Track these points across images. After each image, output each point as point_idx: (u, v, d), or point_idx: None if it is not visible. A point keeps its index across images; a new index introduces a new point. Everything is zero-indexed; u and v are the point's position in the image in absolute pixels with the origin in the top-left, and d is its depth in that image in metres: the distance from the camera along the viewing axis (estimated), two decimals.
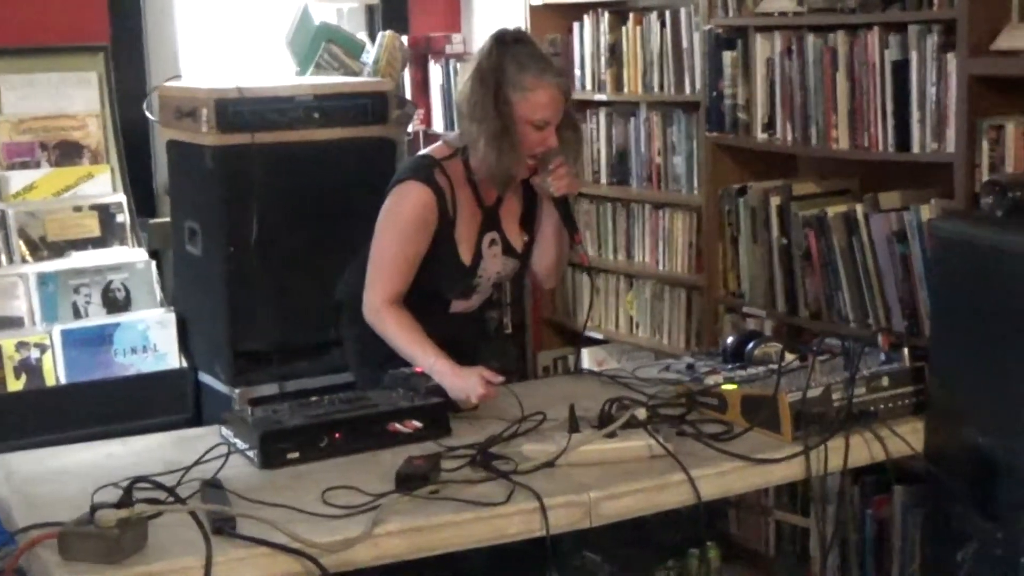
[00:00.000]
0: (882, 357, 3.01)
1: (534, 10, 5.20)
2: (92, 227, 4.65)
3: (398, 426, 2.81)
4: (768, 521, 4.20)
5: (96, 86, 4.80)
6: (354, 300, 3.21)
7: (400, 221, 3.13)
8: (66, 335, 4.32)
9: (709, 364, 3.25)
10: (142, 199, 4.89)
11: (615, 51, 4.90)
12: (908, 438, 2.88)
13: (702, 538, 4.05)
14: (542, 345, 5.41)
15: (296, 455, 2.70)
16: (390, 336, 3.11)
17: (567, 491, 2.55)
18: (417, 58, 5.50)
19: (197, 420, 4.31)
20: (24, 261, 4.49)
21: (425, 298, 3.17)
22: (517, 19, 5.18)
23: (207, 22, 5.27)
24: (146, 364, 4.42)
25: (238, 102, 4.10)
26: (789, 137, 3.98)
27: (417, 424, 2.82)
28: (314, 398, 2.94)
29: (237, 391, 4.15)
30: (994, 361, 2.65)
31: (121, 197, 4.73)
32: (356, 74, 4.72)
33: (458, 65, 5.40)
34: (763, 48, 4.05)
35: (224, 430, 2.85)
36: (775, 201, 4.01)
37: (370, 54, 4.78)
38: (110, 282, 4.48)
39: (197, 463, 2.66)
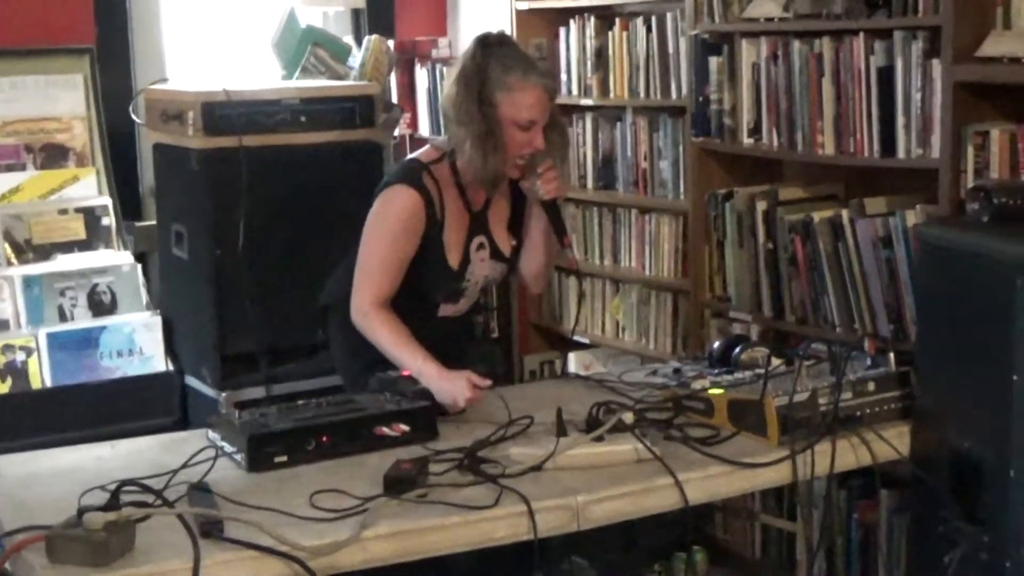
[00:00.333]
0: (868, 362, 3.02)
1: (520, 14, 5.21)
2: (78, 230, 4.65)
3: (385, 429, 2.81)
4: (755, 525, 4.21)
5: (82, 88, 4.79)
6: (342, 303, 3.21)
7: (388, 225, 3.13)
8: (52, 338, 4.31)
9: (696, 368, 3.26)
10: (128, 202, 4.88)
11: (601, 56, 4.91)
12: (894, 442, 2.89)
13: (689, 542, 4.07)
14: (528, 349, 5.42)
15: (284, 458, 2.70)
16: (377, 339, 3.11)
17: (554, 495, 2.55)
18: (403, 62, 5.51)
19: (183, 424, 4.30)
20: (9, 264, 4.48)
21: (413, 302, 3.18)
22: (503, 23, 5.19)
23: (193, 25, 5.26)
24: (132, 367, 4.41)
25: (224, 105, 4.10)
26: (775, 142, 3.99)
27: (404, 428, 2.82)
28: (301, 401, 2.93)
29: (224, 394, 4.14)
30: (979, 366, 2.66)
31: (107, 200, 4.72)
32: (342, 78, 4.72)
33: (444, 69, 5.40)
34: (749, 53, 4.06)
35: (211, 433, 2.85)
36: (761, 206, 4.03)
37: (356, 58, 4.78)
38: (96, 285, 4.48)
39: (184, 466, 2.65)
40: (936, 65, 3.39)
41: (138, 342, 4.42)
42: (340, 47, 4.86)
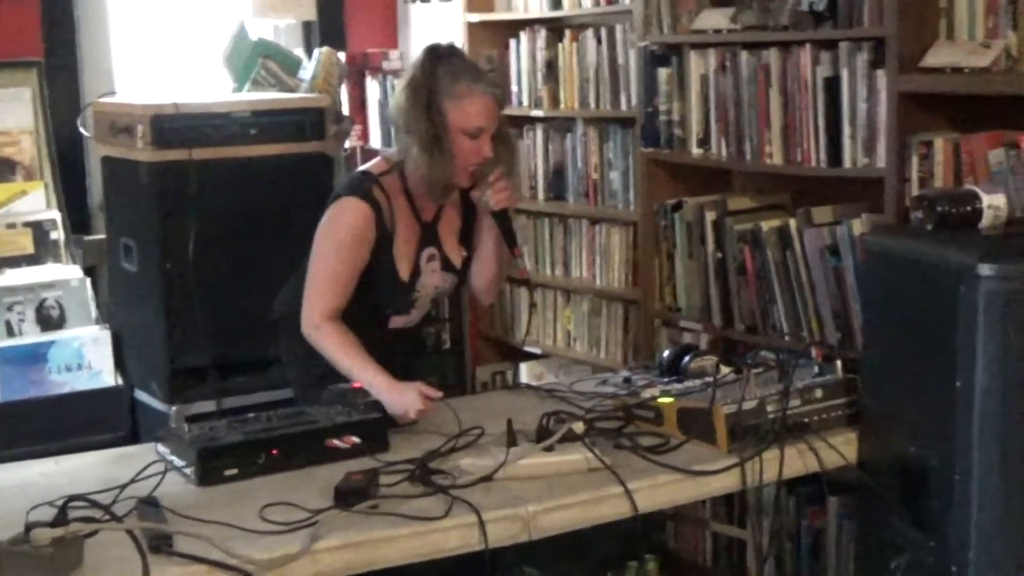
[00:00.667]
0: (815, 369, 3.05)
1: (471, 26, 5.22)
2: (26, 244, 4.61)
3: (336, 442, 2.81)
4: (705, 533, 4.23)
5: (30, 102, 4.76)
6: (292, 316, 3.21)
7: (338, 237, 3.13)
8: (0, 353, 4.28)
9: (646, 377, 3.27)
10: (77, 216, 4.85)
11: (551, 67, 4.94)
12: (842, 449, 2.91)
13: (640, 550, 4.08)
14: (480, 360, 5.42)
15: (234, 472, 2.69)
16: (328, 352, 3.10)
17: (505, 505, 2.56)
18: (354, 74, 5.51)
19: (133, 438, 4.27)
20: None
21: (363, 314, 3.17)
22: (454, 35, 5.19)
23: (142, 38, 5.24)
24: (81, 382, 4.38)
25: (174, 118, 4.09)
26: (724, 152, 4.02)
27: (355, 440, 2.82)
28: (252, 414, 2.92)
29: (174, 408, 4.12)
30: (924, 373, 2.69)
31: (55, 214, 4.69)
32: (293, 90, 4.71)
33: (395, 81, 5.40)
34: (697, 65, 4.09)
35: (160, 447, 2.83)
36: (710, 216, 4.05)
37: (307, 70, 4.78)
38: (44, 299, 4.44)
39: (133, 481, 2.64)
40: (881, 76, 3.43)
41: (87, 356, 4.39)
42: (291, 59, 4.85)
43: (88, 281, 4.55)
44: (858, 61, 3.51)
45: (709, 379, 3.01)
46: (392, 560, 2.46)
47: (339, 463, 2.75)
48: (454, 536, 2.49)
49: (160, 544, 2.29)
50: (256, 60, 4.73)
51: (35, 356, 4.33)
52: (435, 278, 3.29)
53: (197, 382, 4.18)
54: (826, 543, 3.74)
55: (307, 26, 5.61)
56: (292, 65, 4.82)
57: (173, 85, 5.08)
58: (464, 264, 3.34)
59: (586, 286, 4.85)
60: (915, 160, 3.32)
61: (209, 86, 5.04)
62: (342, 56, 5.02)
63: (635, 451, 2.83)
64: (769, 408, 2.86)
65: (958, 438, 2.58)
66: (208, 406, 4.13)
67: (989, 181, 3.03)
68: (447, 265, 3.30)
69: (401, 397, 2.96)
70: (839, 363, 3.03)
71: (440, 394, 2.99)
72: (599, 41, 4.68)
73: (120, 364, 4.44)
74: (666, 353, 3.33)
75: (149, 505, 2.49)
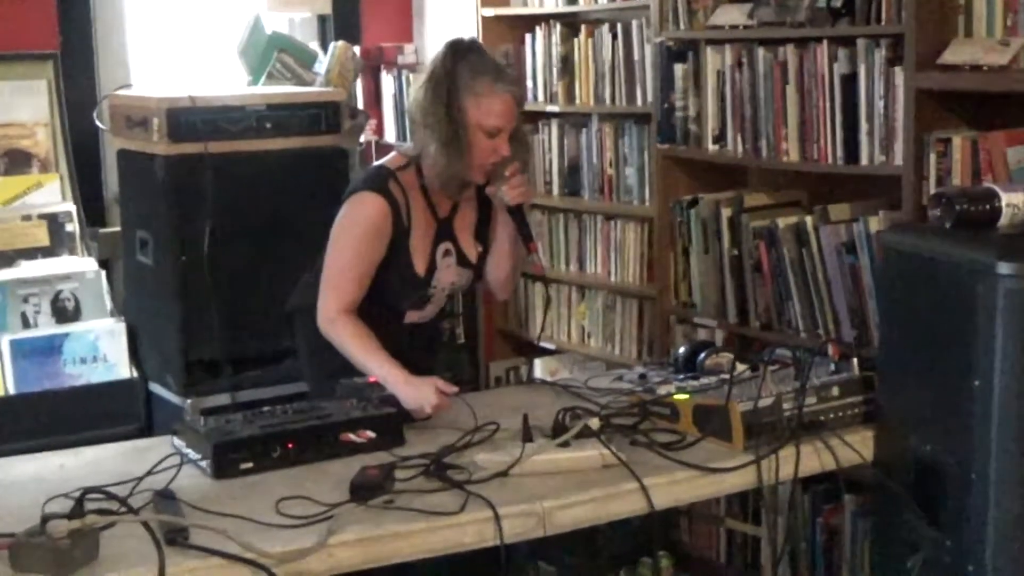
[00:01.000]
0: (832, 367, 3.04)
1: (486, 21, 5.22)
2: (41, 236, 4.62)
3: (352, 436, 2.80)
4: (719, 530, 4.23)
5: (45, 94, 4.76)
6: (308, 310, 3.21)
7: (354, 231, 3.13)
8: (15, 345, 4.28)
9: (661, 374, 3.27)
10: (92, 208, 4.86)
11: (567, 63, 4.93)
12: (858, 447, 2.90)
13: (654, 547, 4.08)
14: (495, 355, 5.42)
15: (249, 465, 2.69)
16: (344, 346, 3.10)
17: (521, 500, 2.55)
18: (369, 68, 5.51)
19: (148, 431, 4.27)
20: None
21: (379, 308, 3.17)
22: (469, 30, 5.19)
23: (158, 31, 5.24)
24: (96, 374, 4.38)
25: (190, 111, 4.09)
26: (740, 149, 4.02)
27: (371, 434, 2.82)
28: (267, 408, 2.92)
29: (188, 401, 4.12)
30: (941, 371, 2.68)
31: (71, 206, 4.70)
32: (308, 84, 4.71)
33: (410, 75, 5.41)
34: (714, 61, 4.08)
35: (176, 440, 2.83)
36: (726, 212, 4.05)
37: (322, 64, 4.77)
38: (59, 292, 4.45)
39: (149, 473, 2.64)
40: (899, 73, 3.42)
41: (102, 349, 4.39)
42: (306, 53, 4.85)
43: (103, 274, 4.55)
44: (875, 58, 3.50)
45: (725, 376, 3.00)
46: (407, 555, 2.45)
47: (354, 457, 2.75)
48: (469, 531, 2.49)
49: (176, 537, 2.29)
50: (271, 54, 4.73)
51: (50, 348, 4.33)
52: (451, 273, 3.28)
53: (212, 375, 4.18)
54: (841, 541, 3.74)
55: (322, 20, 5.61)
56: (307, 59, 4.81)
57: (188, 78, 5.08)
58: (480, 259, 3.34)
59: (601, 282, 4.85)
60: (933, 158, 3.31)
61: (224, 79, 5.04)
62: (357, 50, 5.01)
63: (651, 448, 2.82)
64: (785, 405, 2.85)
65: (975, 437, 2.57)
66: (223, 399, 4.13)
67: (1008, 179, 3.02)
68: (463, 260, 3.30)
69: (417, 392, 2.96)
70: (855, 361, 3.02)
71: (456, 389, 2.99)
72: (615, 36, 4.68)
73: (135, 357, 4.44)
74: (682, 350, 3.32)
75: (165, 498, 2.49)
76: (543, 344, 4.93)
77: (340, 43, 4.82)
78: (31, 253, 4.58)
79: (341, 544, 2.37)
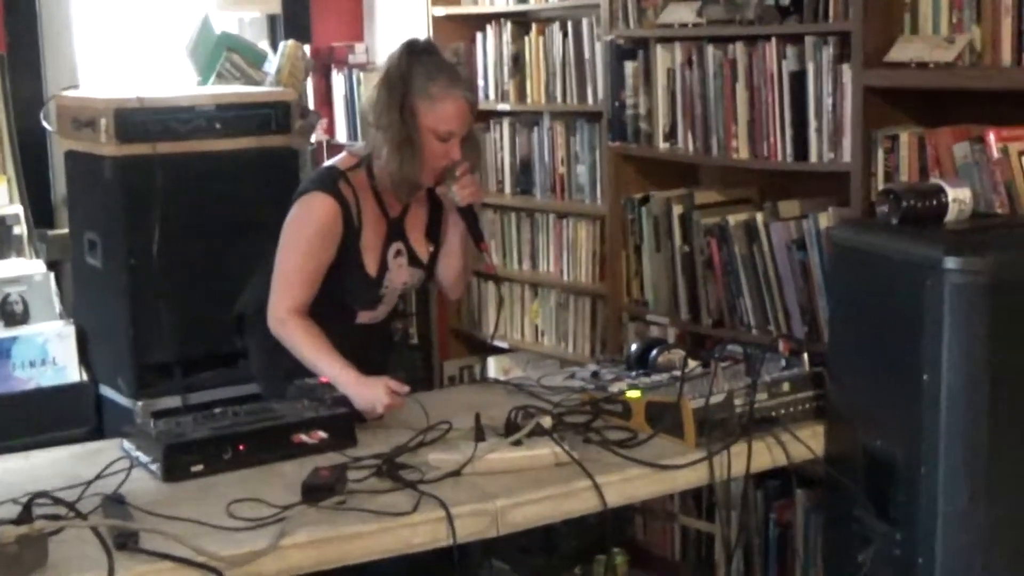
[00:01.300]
0: (783, 363, 3.06)
1: (437, 20, 5.21)
2: None
3: (303, 437, 2.79)
4: (674, 527, 4.24)
5: None
6: (258, 311, 3.19)
7: (304, 232, 3.11)
8: None
9: (613, 371, 3.28)
10: (40, 210, 4.81)
11: (518, 61, 4.93)
12: (809, 443, 2.92)
13: (609, 544, 4.09)
14: (448, 354, 5.41)
15: (200, 467, 2.67)
16: (295, 347, 3.09)
17: (473, 500, 2.56)
18: (320, 68, 5.48)
19: (99, 434, 4.23)
20: None
21: (331, 309, 3.16)
22: (420, 29, 5.19)
23: (105, 31, 5.20)
24: (45, 378, 4.34)
25: (138, 112, 4.06)
26: (690, 147, 4.03)
27: (323, 435, 2.81)
28: (218, 410, 2.90)
29: (139, 404, 4.09)
30: (890, 366, 2.71)
31: (18, 208, 4.65)
32: (258, 84, 4.69)
33: (361, 75, 5.39)
34: (664, 59, 4.10)
35: (126, 443, 2.82)
36: (677, 210, 4.06)
37: (272, 63, 4.75)
38: (7, 295, 4.40)
39: (99, 477, 2.62)
40: (846, 70, 3.44)
41: (51, 352, 4.35)
42: (256, 53, 4.83)
43: (52, 276, 4.50)
44: (824, 56, 3.52)
45: (677, 373, 3.01)
46: (360, 556, 2.45)
47: (306, 458, 2.74)
48: (422, 531, 2.48)
49: (126, 541, 2.28)
50: (220, 53, 4.70)
51: None
52: (402, 273, 3.28)
53: (163, 377, 4.15)
54: (794, 536, 3.76)
55: (272, 19, 5.58)
56: (257, 58, 4.79)
57: (137, 79, 5.04)
58: (431, 259, 3.34)
59: (553, 280, 4.85)
60: (881, 154, 3.33)
61: (173, 80, 5.00)
62: (307, 49, 5.00)
63: (603, 445, 2.83)
64: (737, 402, 2.87)
65: (924, 431, 2.60)
66: (174, 401, 4.11)
67: (954, 175, 3.05)
68: (414, 260, 3.29)
69: (368, 391, 2.95)
70: (806, 357, 3.03)
71: (407, 389, 2.99)
72: (565, 35, 4.68)
73: (85, 360, 4.40)
74: (634, 347, 3.33)
75: (115, 502, 2.47)
76: (496, 343, 4.93)
77: (290, 42, 4.81)
78: None
79: (293, 546, 2.36)
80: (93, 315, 4.37)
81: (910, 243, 2.67)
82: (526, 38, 4.89)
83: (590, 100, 4.59)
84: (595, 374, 3.31)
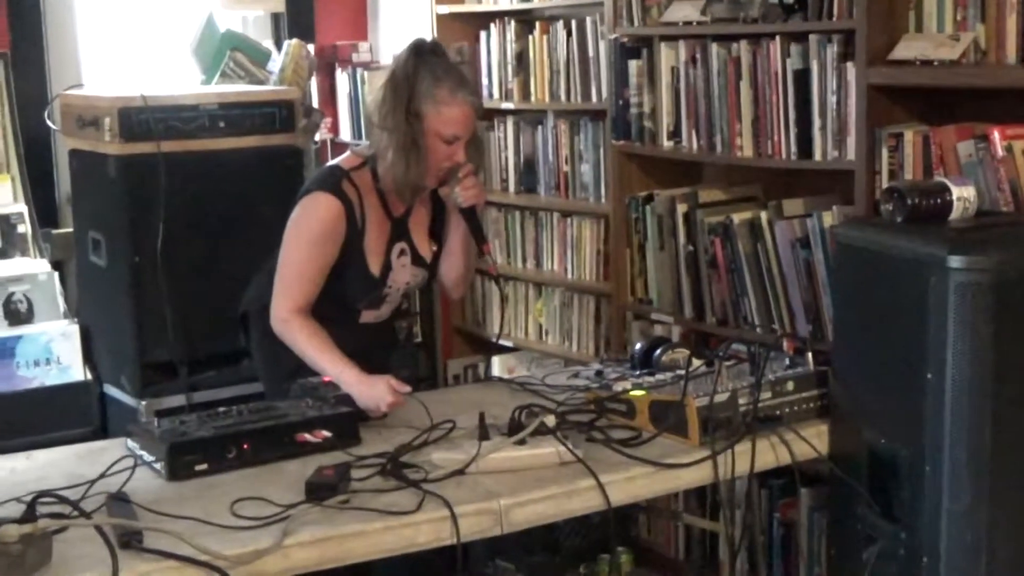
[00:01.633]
0: (787, 362, 3.05)
1: (441, 19, 5.21)
2: None
3: (307, 436, 2.79)
4: (677, 526, 4.24)
5: None
6: (262, 310, 3.19)
7: (308, 232, 3.11)
8: None
9: (617, 370, 3.28)
10: (44, 209, 4.81)
11: (522, 60, 4.93)
12: (813, 441, 2.92)
13: (612, 543, 4.09)
14: (452, 353, 5.41)
15: (204, 466, 2.67)
16: (298, 346, 3.09)
17: (477, 499, 2.55)
18: (324, 66, 5.48)
19: (102, 433, 4.23)
20: None
21: (334, 308, 3.16)
22: (424, 28, 5.18)
23: (109, 29, 5.20)
24: (49, 377, 4.34)
25: (142, 111, 4.05)
26: (694, 145, 4.03)
27: (326, 434, 2.81)
28: (222, 409, 2.91)
29: (143, 403, 4.06)
30: (895, 365, 2.70)
31: (22, 207, 4.65)
32: (262, 82, 4.69)
33: (365, 73, 5.39)
34: (668, 57, 4.09)
35: (130, 442, 2.82)
36: (681, 208, 4.06)
37: (276, 62, 4.75)
38: (12, 294, 4.40)
39: (102, 476, 2.62)
40: (851, 68, 3.44)
41: (56, 351, 4.35)
42: (260, 52, 4.83)
43: (56, 275, 4.51)
44: (828, 54, 3.52)
45: (681, 372, 3.01)
46: (364, 555, 2.45)
47: (310, 457, 2.74)
48: (426, 530, 2.48)
49: (130, 540, 2.28)
50: (225, 52, 4.70)
51: (2, 351, 4.28)
52: (406, 273, 3.28)
53: (166, 377, 4.15)
54: (798, 535, 3.75)
55: (276, 18, 5.58)
56: (261, 57, 4.79)
57: (141, 77, 5.04)
58: (434, 258, 3.34)
59: (557, 279, 4.85)
60: (885, 152, 3.33)
61: (177, 78, 5.01)
62: (311, 48, 5.00)
63: (607, 444, 2.82)
64: (741, 401, 2.86)
65: (929, 430, 2.59)
66: (178, 401, 4.11)
67: (959, 173, 3.04)
68: (417, 260, 3.29)
69: (371, 390, 2.95)
70: (810, 355, 3.03)
71: (409, 388, 2.98)
72: (569, 33, 4.68)
73: (89, 359, 4.40)
74: (638, 346, 3.33)
75: (119, 501, 2.48)
76: (500, 342, 4.93)
77: (294, 41, 4.81)
78: None
79: (297, 545, 2.36)
80: (97, 314, 4.37)
81: (914, 241, 2.67)
82: (530, 36, 4.89)
83: (594, 98, 4.58)
84: (599, 373, 3.30)
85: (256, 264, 3.36)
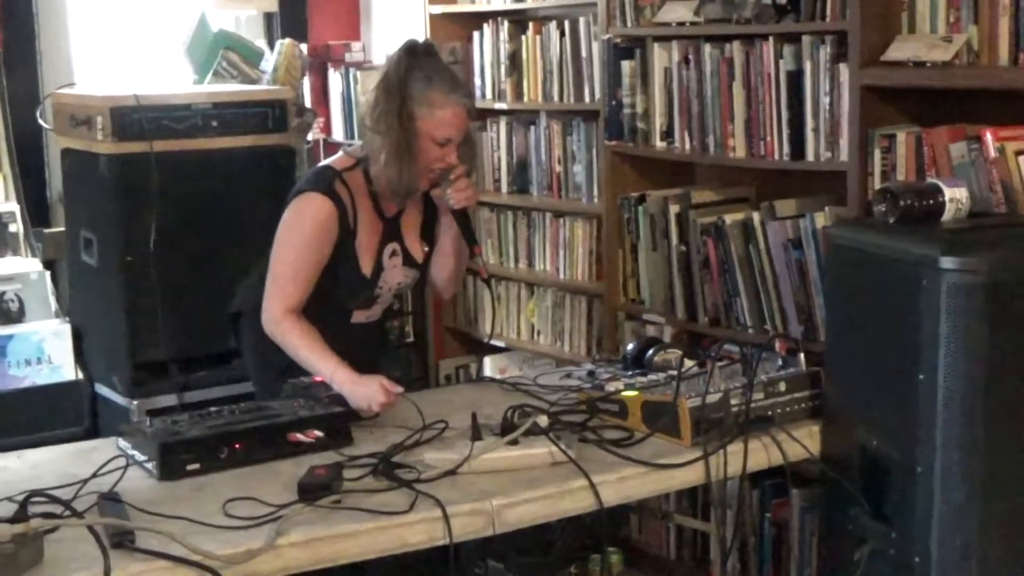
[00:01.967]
0: (779, 362, 3.06)
1: (434, 19, 5.20)
2: None
3: (299, 436, 2.79)
4: (669, 526, 4.24)
5: None
6: (254, 310, 3.19)
7: (300, 232, 3.11)
8: None
9: (610, 371, 3.28)
10: (36, 208, 4.80)
11: (515, 60, 4.93)
12: (805, 442, 2.92)
13: (604, 544, 4.09)
14: (444, 353, 5.41)
15: (196, 466, 2.67)
16: (290, 346, 3.09)
17: (470, 499, 2.55)
18: (316, 66, 5.48)
19: (94, 433, 4.23)
20: None
21: (326, 309, 3.16)
22: (417, 28, 5.18)
23: (102, 29, 5.19)
24: (41, 376, 4.33)
25: (134, 110, 4.05)
26: (687, 145, 4.03)
27: (318, 433, 2.81)
28: (214, 408, 2.91)
29: (135, 403, 4.09)
30: (886, 365, 2.71)
31: (14, 206, 4.64)
32: (255, 82, 4.68)
33: (358, 73, 5.38)
34: (661, 57, 4.09)
35: (122, 442, 2.81)
36: (674, 209, 4.06)
37: (269, 62, 4.75)
38: (3, 293, 4.39)
39: (94, 476, 2.62)
40: (843, 69, 3.44)
41: (47, 351, 4.35)
42: (252, 51, 4.82)
43: (48, 274, 4.50)
44: (821, 55, 3.52)
45: (673, 372, 3.01)
46: (356, 555, 2.44)
47: (302, 457, 2.74)
48: (418, 530, 2.48)
49: (122, 540, 2.27)
50: (217, 51, 4.70)
51: None
52: (397, 274, 3.28)
53: (158, 376, 4.15)
54: (789, 536, 3.76)
55: (268, 17, 5.58)
56: (254, 57, 4.79)
57: (133, 76, 5.04)
58: (426, 259, 3.34)
59: (550, 279, 4.85)
60: (877, 153, 3.33)
61: (170, 78, 5.00)
62: (304, 48, 4.99)
63: (599, 445, 2.83)
64: (733, 401, 2.86)
65: (920, 431, 2.60)
66: (169, 400, 4.11)
67: (951, 174, 3.05)
68: (409, 260, 3.29)
69: (363, 390, 2.95)
70: (802, 356, 3.04)
71: (401, 388, 2.98)
72: (562, 33, 4.68)
73: (80, 358, 4.39)
74: (630, 346, 3.33)
75: (110, 500, 2.47)
76: (493, 342, 4.93)
77: (287, 41, 4.80)
78: None
79: (289, 545, 2.36)
80: (89, 313, 4.36)
81: (907, 242, 2.67)
82: (523, 36, 4.88)
83: (587, 99, 4.59)
84: (591, 373, 3.31)
85: (248, 264, 3.36)
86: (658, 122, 4.13)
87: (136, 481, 2.63)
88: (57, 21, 5.05)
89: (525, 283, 4.99)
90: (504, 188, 5.06)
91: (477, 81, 5.08)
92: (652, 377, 3.09)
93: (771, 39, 3.66)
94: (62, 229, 4.59)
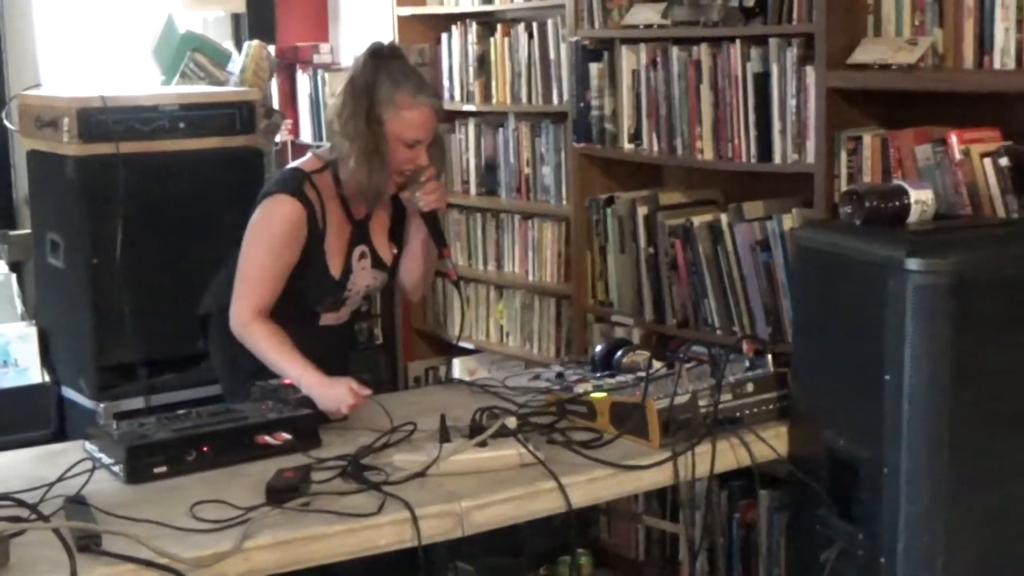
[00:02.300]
0: (747, 363, 3.07)
1: (402, 20, 5.20)
2: None
3: (267, 438, 2.78)
4: (638, 527, 4.25)
5: None
6: (221, 312, 3.18)
7: (268, 234, 3.10)
8: None
9: (578, 372, 3.28)
10: (2, 210, 4.78)
11: (483, 62, 4.93)
12: (773, 443, 2.93)
13: (573, 545, 4.09)
14: (413, 355, 5.40)
15: (163, 469, 2.66)
16: (258, 349, 3.08)
17: (438, 501, 2.55)
18: (284, 67, 5.46)
19: (61, 436, 4.21)
20: None
21: (294, 311, 3.15)
22: (385, 29, 5.18)
23: (68, 30, 5.16)
24: (7, 379, 4.31)
25: (101, 111, 4.04)
26: (655, 148, 4.04)
27: (287, 436, 2.80)
28: (181, 411, 2.89)
29: (102, 405, 4.06)
30: (853, 366, 2.72)
31: None
32: (222, 83, 4.67)
33: (326, 75, 5.37)
34: (629, 60, 4.10)
35: (88, 445, 2.80)
36: (642, 211, 4.07)
37: (237, 63, 4.74)
38: None
39: (60, 479, 2.60)
40: (810, 72, 3.46)
41: (13, 353, 4.32)
42: (220, 52, 4.81)
43: (14, 277, 4.48)
44: (788, 57, 3.54)
45: (641, 374, 3.02)
46: (324, 557, 2.44)
47: (270, 460, 2.73)
48: (387, 532, 2.48)
49: (88, 543, 2.26)
50: (185, 53, 4.69)
51: None
52: (366, 276, 3.27)
53: (125, 379, 4.13)
54: (757, 536, 3.77)
55: (236, 19, 5.56)
56: (221, 58, 4.77)
57: (100, 78, 5.01)
58: (395, 261, 3.33)
59: (519, 281, 4.85)
60: (844, 156, 3.35)
61: (137, 79, 4.98)
62: (272, 49, 4.98)
63: (568, 446, 2.83)
64: (701, 402, 2.87)
65: (887, 431, 2.61)
66: (137, 403, 4.09)
67: (917, 176, 3.07)
68: (377, 263, 3.29)
69: (332, 392, 2.95)
70: (770, 357, 3.05)
71: (370, 391, 2.98)
72: (531, 36, 4.68)
73: (47, 361, 4.38)
74: (599, 348, 3.34)
75: (77, 504, 2.46)
76: (462, 344, 4.93)
77: (255, 42, 4.79)
78: None
79: (257, 548, 2.35)
80: (55, 316, 4.34)
81: (873, 244, 2.68)
82: (491, 39, 4.89)
83: (555, 101, 4.59)
84: (560, 375, 3.31)
85: (216, 266, 3.34)
86: (626, 124, 4.14)
87: (103, 484, 2.61)
88: (23, 22, 5.02)
89: (494, 285, 4.99)
90: (473, 190, 5.07)
91: (445, 83, 5.08)
92: (621, 379, 3.10)
93: (738, 42, 3.67)
94: (28, 231, 4.57)
